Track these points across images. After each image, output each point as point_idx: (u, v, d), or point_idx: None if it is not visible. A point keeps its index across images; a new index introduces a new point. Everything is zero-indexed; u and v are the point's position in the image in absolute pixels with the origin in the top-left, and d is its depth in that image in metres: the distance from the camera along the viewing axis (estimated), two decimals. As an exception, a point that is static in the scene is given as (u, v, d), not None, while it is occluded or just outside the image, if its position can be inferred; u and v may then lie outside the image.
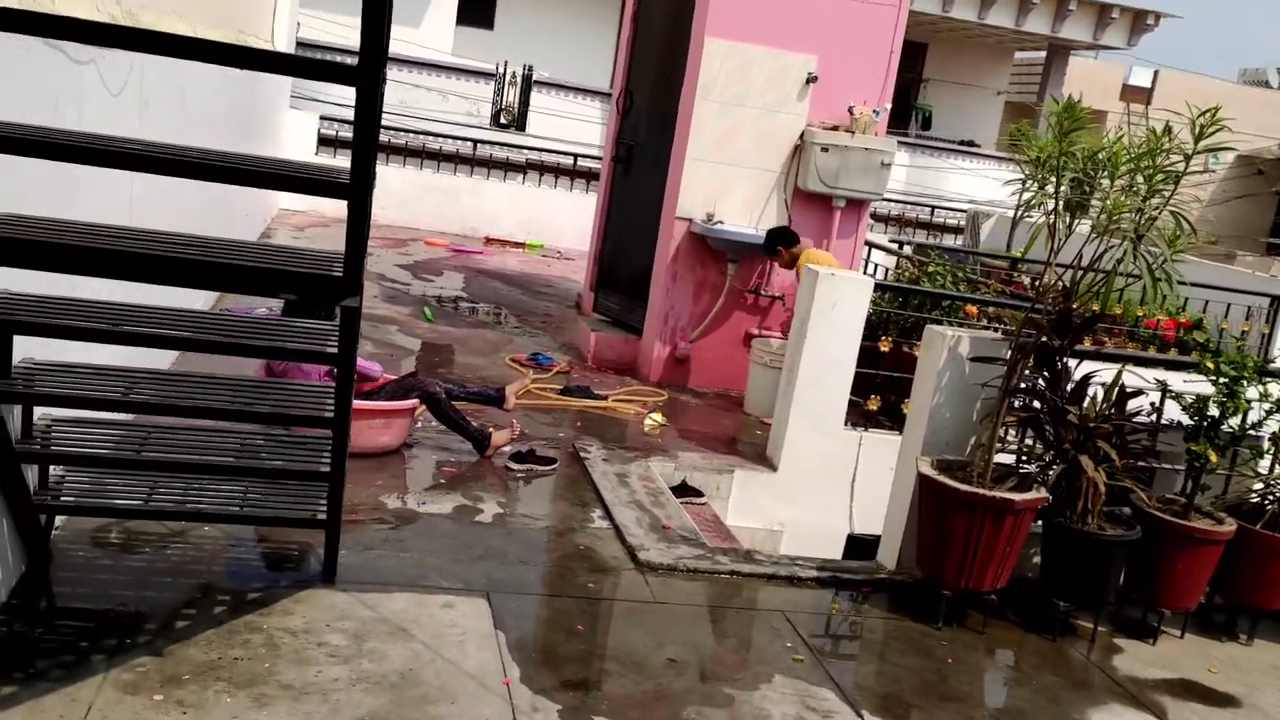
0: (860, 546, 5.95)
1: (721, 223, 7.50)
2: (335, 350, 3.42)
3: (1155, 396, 4.95)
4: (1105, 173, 4.40)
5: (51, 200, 3.62)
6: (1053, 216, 4.49)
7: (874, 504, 5.60)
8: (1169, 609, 4.74)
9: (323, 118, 13.11)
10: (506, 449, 5.64)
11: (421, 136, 13.86)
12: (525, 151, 14.45)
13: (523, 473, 5.49)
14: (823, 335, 6.20)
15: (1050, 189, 4.47)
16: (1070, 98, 4.49)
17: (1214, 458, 4.75)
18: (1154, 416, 4.97)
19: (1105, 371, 4.82)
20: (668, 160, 7.71)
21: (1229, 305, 9.40)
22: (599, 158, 11.65)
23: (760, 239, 7.49)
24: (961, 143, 22.87)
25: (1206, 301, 9.19)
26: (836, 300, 6.18)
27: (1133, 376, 4.90)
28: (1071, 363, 4.76)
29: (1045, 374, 4.71)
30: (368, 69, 2.75)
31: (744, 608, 4.46)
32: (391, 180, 12.55)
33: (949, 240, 15.76)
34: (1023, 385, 4.68)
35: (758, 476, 6.21)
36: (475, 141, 14.15)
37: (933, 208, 17.13)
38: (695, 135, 7.43)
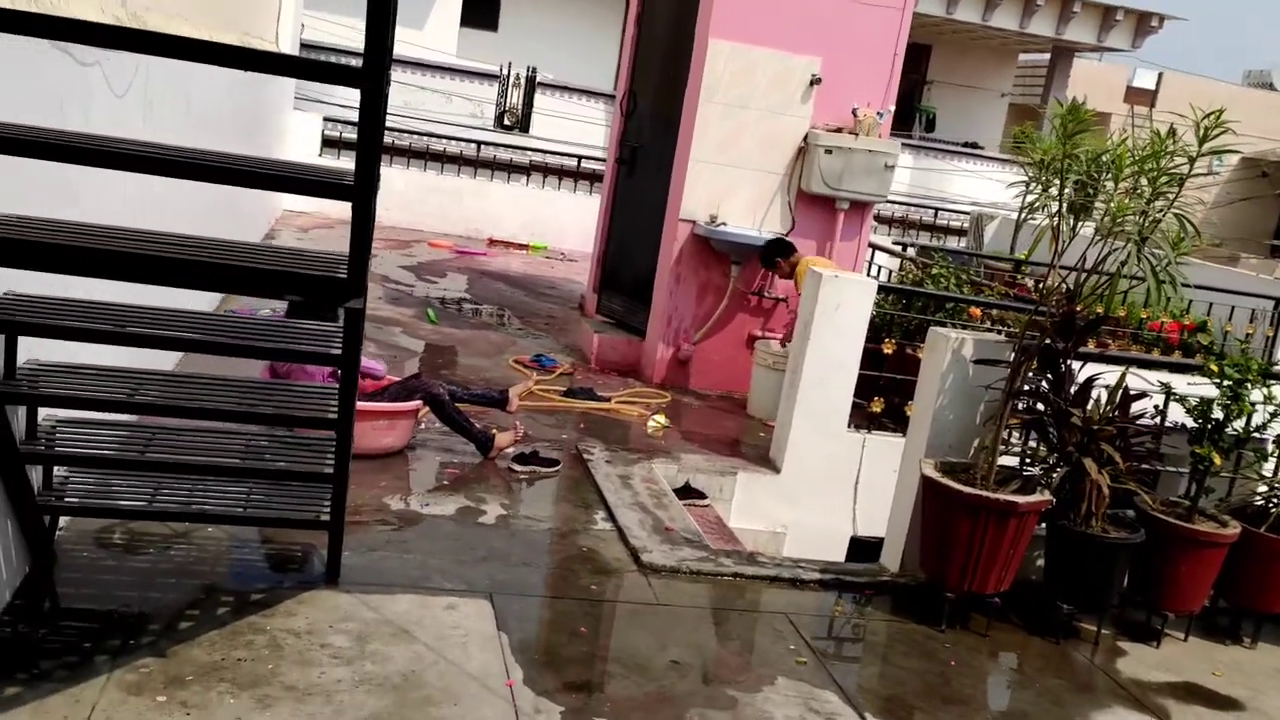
0: (863, 549, 5.96)
1: (725, 225, 7.50)
2: (339, 352, 3.42)
3: (1159, 399, 4.94)
4: (1109, 175, 4.40)
5: (57, 202, 3.62)
6: (1056, 219, 4.49)
7: (877, 506, 5.60)
8: (1173, 612, 4.73)
9: (327, 119, 13.13)
10: (510, 450, 5.65)
11: (425, 138, 13.87)
12: (529, 153, 14.47)
13: (526, 474, 5.49)
14: (826, 337, 6.20)
15: (1054, 191, 4.47)
16: (1074, 100, 4.49)
17: (1218, 460, 4.75)
18: (1158, 419, 4.96)
19: (1109, 374, 4.82)
20: (671, 162, 7.72)
21: (1233, 308, 9.39)
22: (603, 159, 11.66)
23: (764, 241, 7.50)
24: (965, 145, 22.86)
25: (1210, 304, 9.18)
26: (840, 302, 6.18)
27: (1137, 379, 4.89)
28: (1075, 365, 4.76)
29: (1049, 376, 4.71)
30: (372, 71, 2.76)
31: (747, 610, 4.46)
32: (395, 182, 12.57)
33: (953, 242, 15.75)
34: (1026, 388, 4.68)
35: (761, 478, 6.21)
36: (479, 143, 14.16)
37: (936, 210, 17.12)
38: (699, 137, 7.43)
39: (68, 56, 3.70)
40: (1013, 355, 4.62)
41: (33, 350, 3.47)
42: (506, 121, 17.45)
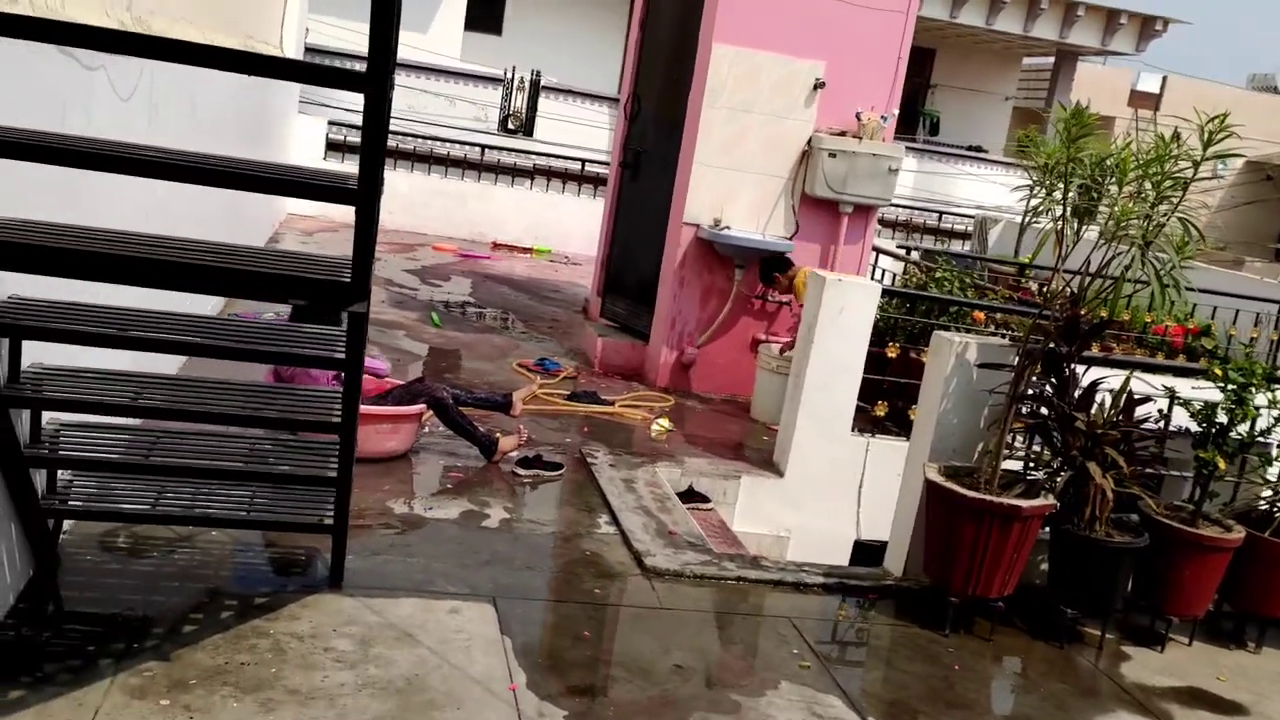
0: (867, 552, 5.96)
1: (729, 228, 7.50)
2: (342, 356, 3.42)
3: (1163, 403, 4.93)
4: (1113, 179, 4.40)
5: (61, 206, 3.63)
6: (1060, 222, 4.49)
7: (881, 510, 5.60)
8: (1177, 616, 4.73)
9: (331, 123, 13.15)
10: (513, 454, 5.65)
11: (429, 142, 13.88)
12: (533, 157, 14.47)
13: (529, 478, 5.49)
14: (830, 341, 6.20)
15: (1058, 195, 4.46)
16: (1078, 104, 4.49)
17: (1222, 465, 4.74)
18: (1162, 423, 4.95)
19: (1113, 378, 4.82)
20: (675, 166, 7.72)
21: (1237, 311, 9.37)
22: (607, 163, 11.67)
23: (768, 244, 7.51)
24: (969, 148, 22.84)
25: (1215, 308, 9.16)
26: (844, 306, 6.18)
27: (1140, 383, 4.89)
28: (1079, 369, 4.76)
29: (1053, 380, 4.71)
30: (375, 75, 2.76)
31: (750, 614, 4.45)
32: (399, 185, 12.58)
33: (957, 246, 15.74)
34: (1030, 391, 4.67)
35: (764, 482, 6.21)
36: (483, 147, 14.17)
37: (940, 213, 17.11)
38: (703, 141, 7.43)
39: (72, 60, 3.71)
40: (1017, 359, 4.61)
41: (37, 354, 3.48)
42: (510, 125, 17.46)
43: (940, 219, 16.96)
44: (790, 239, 7.65)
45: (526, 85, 17.59)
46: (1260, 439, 4.84)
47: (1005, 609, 4.59)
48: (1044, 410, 4.73)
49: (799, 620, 4.41)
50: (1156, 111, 24.34)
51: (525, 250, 13.14)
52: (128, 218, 4.20)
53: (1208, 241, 4.68)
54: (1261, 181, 27.25)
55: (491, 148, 14.28)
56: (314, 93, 13.92)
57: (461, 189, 13.42)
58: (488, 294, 10.32)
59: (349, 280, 3.16)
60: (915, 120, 24.64)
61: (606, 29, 21.96)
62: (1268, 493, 5.03)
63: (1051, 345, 4.61)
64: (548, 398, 6.87)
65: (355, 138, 12.53)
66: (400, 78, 15.11)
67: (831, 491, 6.28)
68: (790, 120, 7.53)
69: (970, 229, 15.34)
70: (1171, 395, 4.93)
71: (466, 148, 14.05)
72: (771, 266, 7.42)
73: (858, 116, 7.51)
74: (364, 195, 2.97)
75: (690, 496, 5.94)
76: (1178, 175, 4.28)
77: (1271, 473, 5.03)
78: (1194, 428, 4.86)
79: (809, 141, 7.57)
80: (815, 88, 7.50)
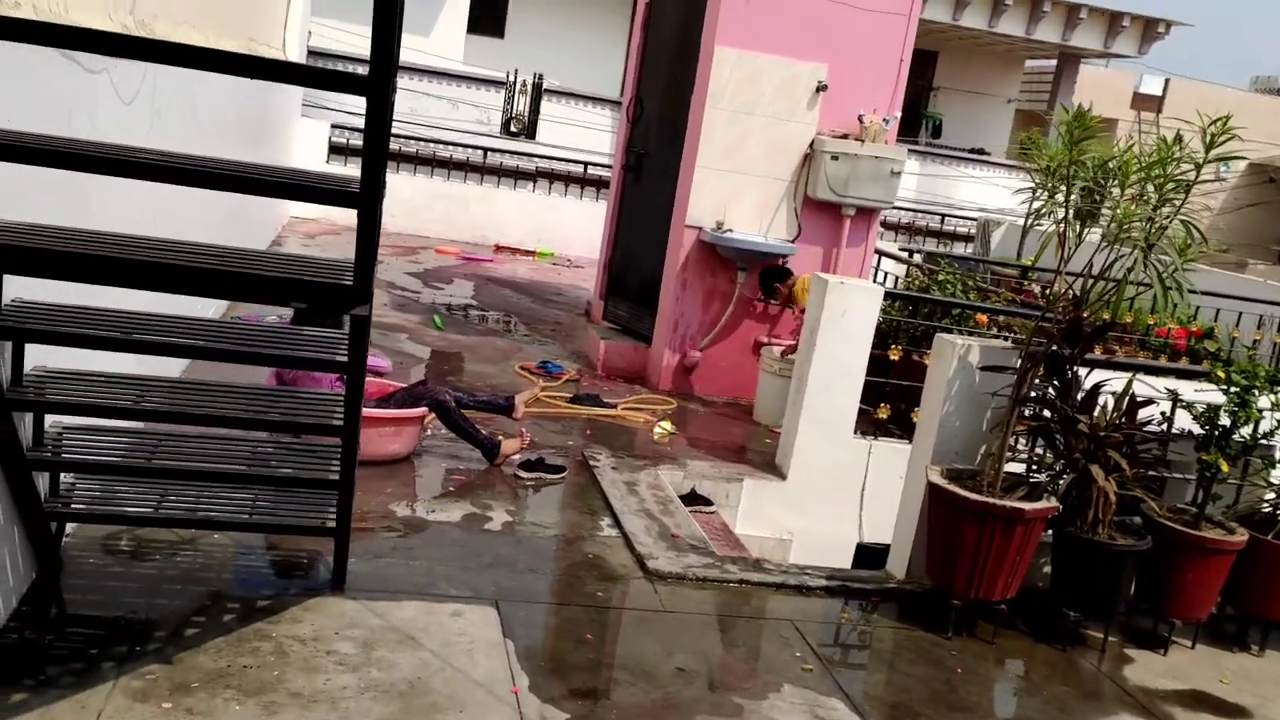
0: (870, 555, 5.95)
1: (731, 231, 7.50)
2: (345, 359, 3.42)
3: (1166, 406, 4.93)
4: (1115, 181, 4.40)
5: (64, 209, 3.63)
6: (1063, 225, 4.49)
7: (884, 513, 5.59)
8: (1180, 619, 4.72)
9: (334, 126, 13.16)
10: (516, 457, 5.65)
11: (432, 145, 13.89)
12: (535, 159, 14.48)
13: (532, 481, 5.49)
14: (832, 343, 6.19)
15: (1060, 198, 4.46)
16: (1080, 106, 4.49)
17: (1225, 467, 4.74)
18: (1165, 426, 4.95)
19: (1116, 380, 4.81)
20: (677, 168, 7.72)
21: (1240, 314, 9.36)
22: (609, 166, 11.68)
23: (770, 247, 7.51)
24: (972, 151, 22.84)
25: (1218, 310, 9.15)
26: (846, 308, 6.18)
27: (1143, 385, 4.89)
28: (1082, 371, 4.76)
29: (1055, 383, 4.71)
30: (378, 79, 2.76)
31: (753, 617, 4.45)
32: (402, 188, 12.59)
33: (959, 248, 15.74)
34: (1033, 394, 4.67)
35: (767, 485, 6.21)
36: (486, 149, 14.19)
37: (943, 216, 17.11)
38: (705, 143, 7.44)
39: (75, 64, 3.71)
40: (1019, 362, 4.61)
41: (40, 357, 3.48)
42: (513, 128, 17.47)
43: (943, 222, 16.97)
44: (792, 242, 7.66)
45: (529, 88, 17.60)
46: (1263, 441, 4.83)
47: (1008, 612, 4.59)
48: (1047, 413, 4.73)
49: (801, 623, 4.41)
50: (1159, 114, 24.33)
51: (528, 253, 13.15)
52: (132, 221, 4.20)
53: (1210, 244, 4.68)
54: (1264, 184, 27.22)
55: (494, 150, 14.29)
56: (317, 96, 13.93)
57: (464, 192, 13.44)
58: (490, 297, 10.33)
59: (351, 283, 3.16)
60: (918, 123, 24.63)
61: (609, 32, 21.98)
62: (1271, 495, 5.03)
63: (1054, 348, 4.60)
64: (550, 400, 6.87)
65: (358, 141, 12.53)
66: (403, 81, 15.09)
67: (834, 494, 6.27)
68: (792, 123, 7.54)
69: (973, 232, 15.33)
70: (1174, 398, 4.92)
71: (469, 150, 14.07)
72: (771, 277, 7.44)
73: (860, 119, 7.51)
74: (366, 198, 2.97)
75: (693, 499, 5.94)
76: (1180, 178, 4.28)
77: (1275, 475, 5.02)
78: (1197, 430, 4.86)
79: (811, 144, 7.57)
80: (817, 90, 7.50)
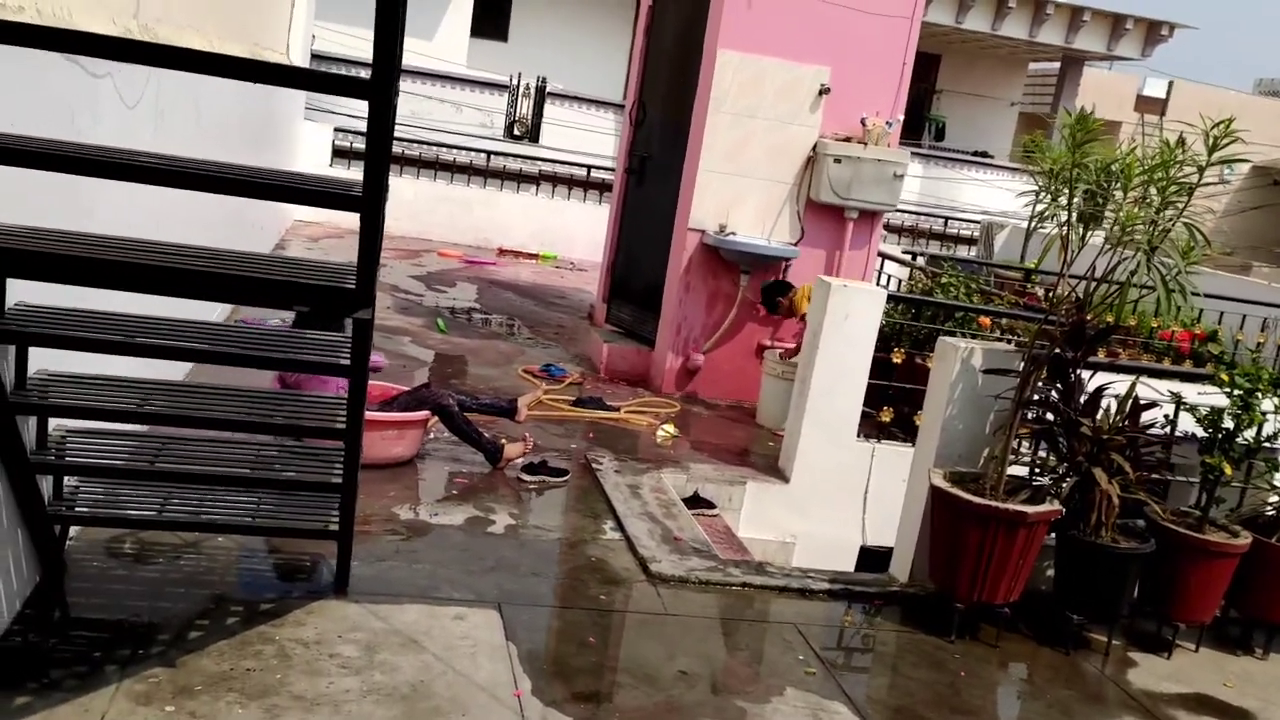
0: (873, 558, 5.95)
1: (734, 234, 7.50)
2: (347, 362, 3.43)
3: (1169, 409, 4.93)
4: (1118, 184, 4.39)
5: (68, 213, 3.65)
6: (1066, 228, 4.48)
7: (886, 516, 5.59)
8: (1183, 622, 4.72)
9: (337, 129, 13.18)
10: (519, 460, 5.65)
11: (435, 148, 13.91)
12: (538, 163, 14.50)
13: (535, 484, 5.49)
14: (835, 347, 6.19)
15: (1063, 201, 4.46)
16: (1083, 109, 4.49)
17: (1228, 470, 4.73)
18: (1168, 429, 4.95)
19: (1119, 383, 4.81)
20: (680, 171, 7.73)
21: (1244, 316, 9.36)
22: (612, 169, 11.68)
23: (774, 250, 7.52)
24: (975, 154, 22.85)
25: (1221, 313, 9.15)
26: (849, 312, 6.17)
27: (1147, 388, 4.88)
28: (1085, 375, 4.75)
29: (1058, 386, 4.70)
30: (380, 83, 2.77)
31: (756, 620, 4.45)
32: (405, 192, 12.61)
33: (963, 251, 15.74)
34: (1036, 397, 4.66)
35: (770, 488, 6.20)
36: (489, 153, 14.21)
37: (946, 219, 17.11)
38: (708, 146, 7.44)
39: (79, 68, 3.72)
40: (1022, 365, 4.61)
41: (43, 360, 3.49)
42: (516, 131, 17.49)
43: (946, 224, 16.97)
44: (795, 244, 7.66)
45: (532, 91, 17.62)
46: (1267, 444, 4.82)
47: (1011, 615, 4.59)
48: (1050, 416, 4.72)
49: (804, 626, 4.40)
50: (1163, 116, 24.32)
51: (531, 256, 13.16)
52: (135, 224, 4.21)
53: (1214, 246, 4.67)
54: (1268, 186, 27.20)
55: (497, 154, 14.31)
56: (320, 99, 13.95)
57: (467, 195, 13.45)
58: (493, 300, 10.33)
59: (353, 287, 3.17)
60: (921, 125, 24.65)
61: (612, 35, 22.01)
62: (1275, 498, 5.02)
63: (1057, 350, 4.60)
64: (553, 403, 6.87)
65: (362, 144, 12.53)
66: (406, 84, 15.13)
67: (837, 497, 6.27)
68: (795, 126, 7.54)
69: (976, 235, 15.34)
70: (1178, 400, 4.92)
71: (472, 154, 14.09)
72: (774, 291, 7.45)
73: (863, 122, 7.52)
74: (368, 202, 2.97)
75: (696, 502, 5.94)
76: (1182, 181, 4.27)
77: (1278, 478, 5.01)
78: (1200, 433, 4.85)
79: (814, 147, 7.57)
80: (820, 93, 7.50)
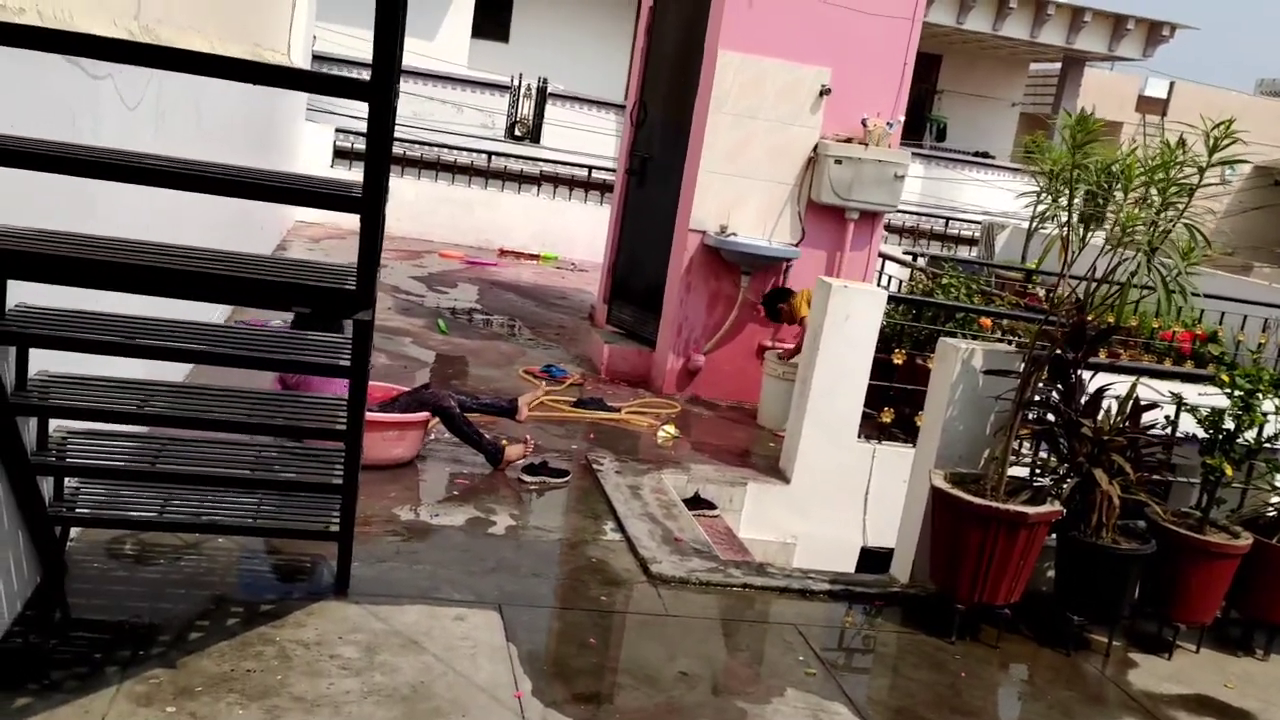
0: (873, 559, 5.94)
1: (735, 235, 7.51)
2: (348, 363, 3.43)
3: (1170, 409, 4.93)
4: (1119, 185, 4.39)
5: (68, 214, 3.65)
6: (1066, 229, 4.48)
7: (887, 517, 5.59)
8: (1184, 623, 4.72)
9: (339, 130, 13.18)
10: (519, 461, 5.65)
11: (436, 149, 13.91)
12: (540, 163, 14.49)
13: (535, 485, 5.50)
14: (836, 347, 6.19)
15: (1064, 201, 4.46)
16: (1083, 110, 4.49)
17: (1229, 471, 4.73)
18: (1169, 430, 4.95)
19: (1120, 384, 4.80)
20: (681, 172, 7.73)
21: (1245, 317, 9.36)
22: (613, 170, 11.68)
23: (775, 251, 7.52)
24: (976, 154, 22.83)
25: (1223, 313, 9.15)
26: (850, 313, 6.17)
27: (1147, 389, 4.88)
28: (1086, 375, 4.75)
29: (1059, 387, 4.70)
30: (380, 84, 2.77)
31: (756, 621, 4.45)
32: (406, 192, 12.61)
33: (964, 252, 15.73)
34: (1037, 398, 4.66)
35: (771, 489, 6.20)
36: (490, 154, 14.20)
37: (947, 219, 17.10)
38: (709, 147, 7.44)
39: (79, 69, 3.72)
40: (1023, 365, 4.61)
41: (44, 362, 3.49)
42: (517, 132, 17.48)
43: (947, 225, 16.96)
44: (796, 245, 7.66)
45: (533, 92, 17.62)
46: (1267, 445, 4.82)
47: (1012, 616, 4.58)
48: (1050, 416, 4.72)
49: (805, 627, 4.40)
50: (1164, 117, 24.31)
51: (532, 257, 13.16)
52: (136, 226, 4.22)
53: (1215, 247, 4.67)
54: (1269, 187, 27.19)
55: (498, 154, 14.31)
56: (321, 100, 13.94)
57: (468, 196, 13.46)
58: (494, 301, 10.34)
59: (354, 288, 3.17)
60: (922, 126, 24.63)
61: (613, 36, 22.01)
62: (1276, 499, 5.02)
63: (1058, 351, 4.60)
64: (554, 404, 6.87)
65: (363, 145, 12.54)
66: (407, 85, 15.15)
67: (838, 498, 6.27)
68: (796, 127, 7.54)
69: (977, 235, 15.34)
70: (1178, 401, 4.92)
71: (473, 155, 14.08)
72: (775, 299, 7.45)
73: (864, 123, 7.52)
74: (368, 203, 2.98)
75: (696, 503, 5.94)
76: (1183, 182, 4.27)
77: (1279, 479, 5.01)
78: (1201, 434, 4.85)
79: (815, 148, 7.57)
80: (821, 94, 7.50)
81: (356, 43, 16.25)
